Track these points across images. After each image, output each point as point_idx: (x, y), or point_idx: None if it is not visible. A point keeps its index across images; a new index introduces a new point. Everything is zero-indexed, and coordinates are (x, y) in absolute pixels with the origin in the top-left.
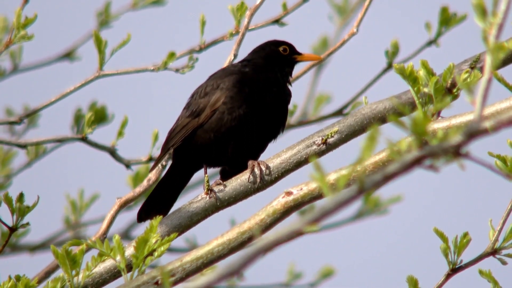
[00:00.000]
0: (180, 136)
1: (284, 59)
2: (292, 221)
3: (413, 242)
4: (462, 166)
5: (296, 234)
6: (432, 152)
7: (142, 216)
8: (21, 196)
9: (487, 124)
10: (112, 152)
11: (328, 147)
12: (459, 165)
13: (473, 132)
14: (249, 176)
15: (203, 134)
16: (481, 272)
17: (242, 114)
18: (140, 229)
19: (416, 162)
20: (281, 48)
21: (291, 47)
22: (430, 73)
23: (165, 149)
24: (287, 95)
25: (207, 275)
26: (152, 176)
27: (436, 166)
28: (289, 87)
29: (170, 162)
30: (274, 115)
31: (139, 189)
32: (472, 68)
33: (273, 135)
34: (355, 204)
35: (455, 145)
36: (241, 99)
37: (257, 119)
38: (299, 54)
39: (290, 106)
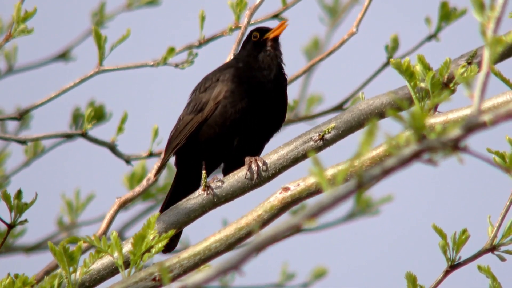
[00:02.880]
0: (184, 134)
1: (257, 44)
2: (290, 217)
3: (411, 239)
4: (460, 160)
5: (294, 228)
6: (430, 146)
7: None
8: (19, 193)
9: (485, 117)
10: (112, 147)
11: (325, 143)
12: (457, 159)
13: (471, 126)
14: (246, 172)
15: (208, 129)
16: (479, 268)
17: (244, 106)
18: (135, 230)
19: (415, 156)
20: (252, 36)
21: (260, 30)
22: (426, 68)
23: (168, 149)
24: (284, 80)
25: (206, 271)
26: (152, 176)
27: (434, 160)
28: (284, 70)
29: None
30: (275, 103)
31: (138, 188)
32: (469, 63)
33: (276, 126)
34: (352, 201)
35: (454, 138)
36: (241, 92)
37: (259, 110)
38: (268, 31)
39: (290, 102)
